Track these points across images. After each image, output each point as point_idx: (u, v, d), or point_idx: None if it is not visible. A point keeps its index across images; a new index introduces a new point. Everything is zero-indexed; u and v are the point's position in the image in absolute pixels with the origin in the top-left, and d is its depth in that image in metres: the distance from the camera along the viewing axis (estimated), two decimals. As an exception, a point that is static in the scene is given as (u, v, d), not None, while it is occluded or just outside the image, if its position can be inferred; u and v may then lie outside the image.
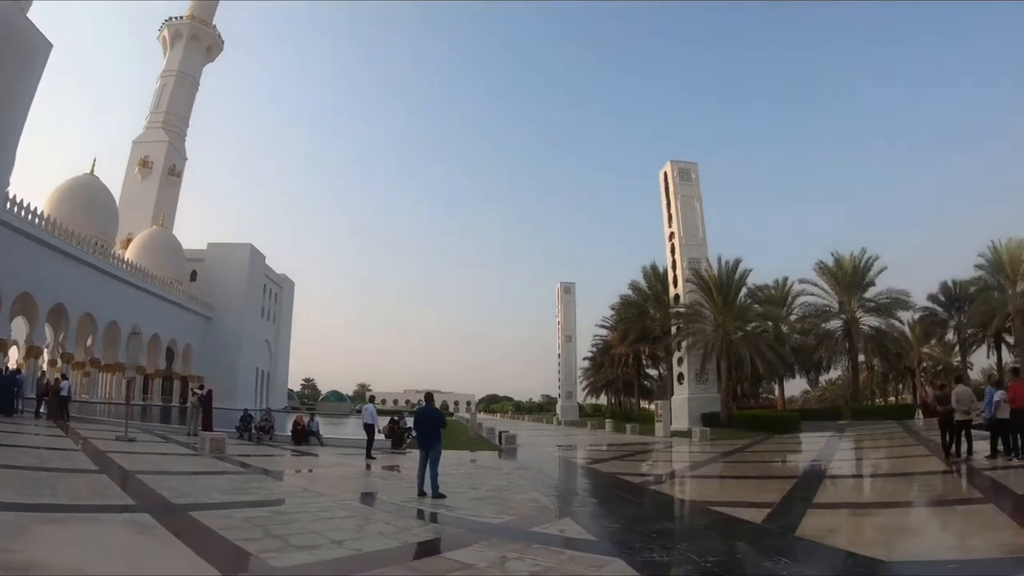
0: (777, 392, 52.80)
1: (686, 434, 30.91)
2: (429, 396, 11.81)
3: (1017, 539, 6.42)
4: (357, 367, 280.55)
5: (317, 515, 8.01)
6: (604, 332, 64.74)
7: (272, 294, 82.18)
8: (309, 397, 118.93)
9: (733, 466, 17.20)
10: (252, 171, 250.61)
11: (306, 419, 23.64)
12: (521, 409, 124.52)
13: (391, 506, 9.46)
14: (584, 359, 73.59)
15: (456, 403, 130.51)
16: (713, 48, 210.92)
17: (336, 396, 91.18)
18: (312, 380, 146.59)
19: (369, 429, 18.40)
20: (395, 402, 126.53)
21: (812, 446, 22.42)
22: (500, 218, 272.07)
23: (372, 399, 22.18)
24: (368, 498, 10.32)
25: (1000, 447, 13.47)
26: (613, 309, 60.16)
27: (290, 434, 22.36)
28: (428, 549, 6.59)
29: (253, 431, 22.54)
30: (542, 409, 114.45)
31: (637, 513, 9.28)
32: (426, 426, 10.78)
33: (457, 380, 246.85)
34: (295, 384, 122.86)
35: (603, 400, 75.52)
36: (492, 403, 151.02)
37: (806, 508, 8.88)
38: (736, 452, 20.79)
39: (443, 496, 10.03)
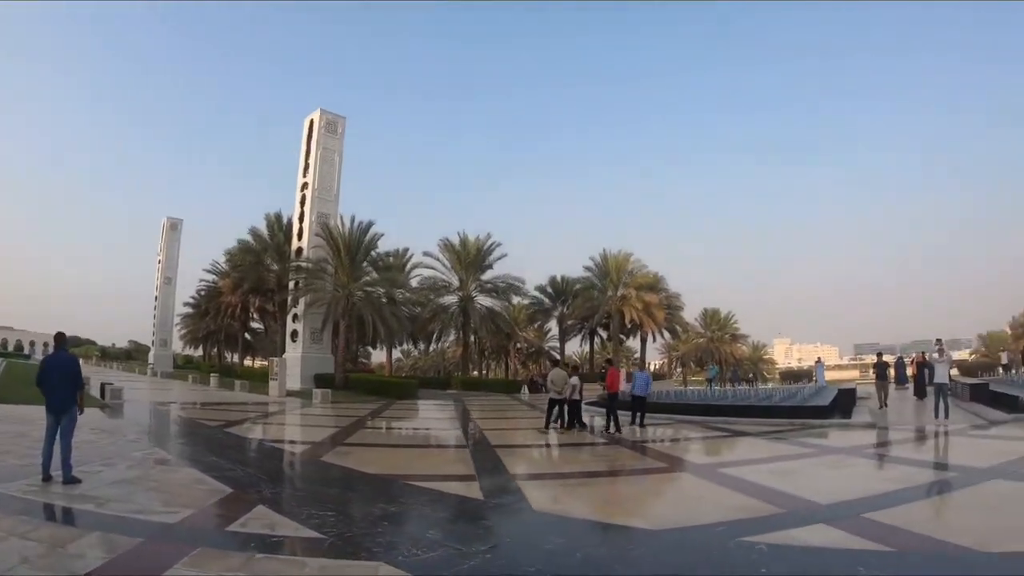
0: (386, 358, 54.72)
1: (303, 395, 29.75)
2: (61, 337, 8.20)
3: (735, 501, 7.11)
4: None
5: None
6: (213, 278, 58.19)
7: None
8: None
9: (386, 433, 16.66)
10: None
11: None
12: (108, 355, 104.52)
13: (13, 501, 6.28)
14: (185, 304, 65.86)
15: (32, 343, 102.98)
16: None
17: None
18: None
19: None
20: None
21: (445, 413, 23.14)
22: (105, 134, 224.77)
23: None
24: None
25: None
26: (228, 254, 54.21)
27: None
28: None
29: None
30: (130, 356, 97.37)
31: (340, 495, 7.70)
32: (62, 381, 7.55)
33: (24, 314, 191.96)
34: None
35: (200, 352, 68.49)
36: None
37: (512, 480, 8.74)
38: (373, 417, 20.28)
39: (78, 480, 7.20)
